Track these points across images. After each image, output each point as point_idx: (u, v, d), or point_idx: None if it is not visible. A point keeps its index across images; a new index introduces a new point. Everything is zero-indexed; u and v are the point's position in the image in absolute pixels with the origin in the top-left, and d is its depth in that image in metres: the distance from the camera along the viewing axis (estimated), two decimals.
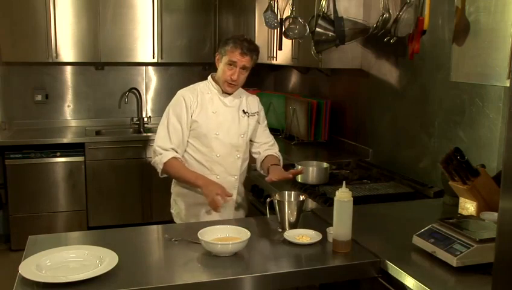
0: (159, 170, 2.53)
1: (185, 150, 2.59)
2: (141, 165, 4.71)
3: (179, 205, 2.67)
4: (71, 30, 4.65)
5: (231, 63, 2.50)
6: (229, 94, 2.61)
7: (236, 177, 2.64)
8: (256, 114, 2.72)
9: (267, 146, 2.77)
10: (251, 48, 2.51)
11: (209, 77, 2.65)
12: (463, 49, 2.03)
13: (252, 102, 2.73)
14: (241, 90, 2.69)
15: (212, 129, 2.56)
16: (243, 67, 2.52)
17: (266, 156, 2.72)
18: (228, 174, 2.62)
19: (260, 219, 2.43)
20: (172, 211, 2.74)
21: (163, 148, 2.52)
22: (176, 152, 2.53)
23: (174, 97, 2.60)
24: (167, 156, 2.49)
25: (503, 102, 2.41)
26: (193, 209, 2.61)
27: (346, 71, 3.85)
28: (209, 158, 2.58)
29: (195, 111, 2.55)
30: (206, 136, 2.55)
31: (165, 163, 2.49)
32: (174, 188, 2.72)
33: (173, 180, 2.70)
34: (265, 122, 2.84)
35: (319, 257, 1.94)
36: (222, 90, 2.60)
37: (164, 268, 1.89)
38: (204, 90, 2.61)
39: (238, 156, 2.64)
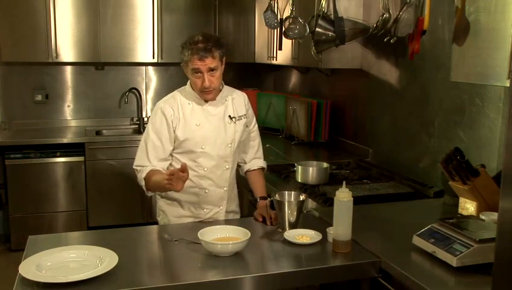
0: (144, 189, 2.36)
1: (170, 165, 2.41)
2: None
3: (166, 216, 2.49)
4: (71, 30, 4.64)
5: (196, 71, 2.30)
6: (209, 101, 2.41)
7: (225, 188, 2.45)
8: (243, 117, 2.48)
9: (253, 154, 2.60)
10: (208, 47, 2.26)
11: (188, 85, 2.45)
12: (463, 49, 2.03)
13: (238, 102, 2.50)
14: (226, 89, 2.49)
15: (198, 143, 2.36)
16: (210, 70, 2.29)
17: (253, 170, 2.58)
18: (217, 186, 2.43)
19: None
20: (158, 218, 2.55)
21: (141, 164, 2.37)
22: (153, 167, 2.35)
23: (153, 111, 2.40)
24: (145, 171, 2.33)
25: (503, 102, 2.41)
26: (179, 220, 2.44)
27: (346, 71, 3.85)
28: (196, 173, 2.38)
29: (178, 126, 2.35)
30: (192, 151, 2.36)
31: (144, 179, 2.33)
32: (159, 201, 2.54)
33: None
34: (254, 120, 2.61)
35: (319, 257, 1.94)
36: (199, 95, 2.40)
37: (164, 268, 1.89)
38: (184, 101, 2.40)
39: (227, 167, 2.44)
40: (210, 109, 2.41)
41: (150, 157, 2.36)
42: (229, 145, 2.42)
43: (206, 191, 2.42)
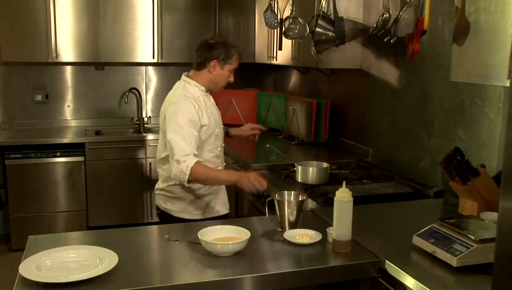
0: (185, 178, 2.47)
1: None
2: (141, 165, 4.71)
3: (185, 201, 2.70)
4: (71, 30, 4.65)
5: (233, 70, 2.72)
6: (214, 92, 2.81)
7: (224, 163, 2.87)
8: None
9: None
10: None
11: (189, 80, 2.71)
12: (463, 49, 2.03)
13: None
14: None
15: (213, 127, 2.70)
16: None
17: None
18: (223, 161, 2.85)
19: (260, 219, 2.43)
20: (169, 208, 2.73)
21: (185, 154, 2.48)
22: (196, 157, 2.52)
23: (179, 107, 2.58)
24: (192, 161, 2.46)
25: (503, 102, 2.41)
26: (197, 202, 2.72)
27: (346, 71, 3.85)
28: (213, 154, 2.73)
29: (202, 116, 2.62)
30: (211, 135, 2.69)
31: (192, 168, 2.45)
32: (175, 188, 2.69)
33: (166, 182, 2.71)
34: None
35: (319, 257, 1.94)
36: (206, 90, 2.73)
37: (164, 268, 1.89)
38: (195, 95, 2.66)
39: (223, 144, 2.87)
40: (210, 98, 2.80)
41: (191, 145, 2.53)
42: (223, 126, 2.87)
43: (219, 167, 2.78)
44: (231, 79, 2.75)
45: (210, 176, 2.55)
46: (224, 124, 2.90)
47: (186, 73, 2.79)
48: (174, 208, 2.73)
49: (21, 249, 1.97)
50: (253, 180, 2.46)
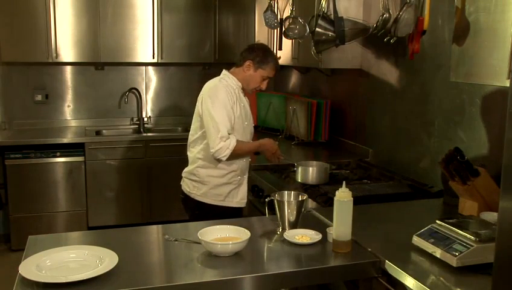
0: (227, 154, 2.74)
1: None
2: (141, 165, 4.71)
3: (207, 185, 2.88)
4: (71, 30, 4.65)
5: (266, 78, 2.90)
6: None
7: (250, 159, 3.07)
8: None
9: None
10: None
11: (228, 73, 2.91)
12: (463, 49, 2.03)
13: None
14: None
15: (244, 120, 2.89)
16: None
17: None
18: (248, 156, 3.02)
19: (260, 219, 2.43)
20: (193, 191, 2.91)
21: (228, 132, 2.74)
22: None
23: (219, 91, 2.80)
24: (233, 139, 2.74)
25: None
26: (219, 189, 2.88)
27: (346, 71, 3.85)
28: None
29: (235, 105, 2.82)
30: (240, 126, 2.86)
31: (233, 148, 2.73)
32: (201, 171, 2.88)
33: (195, 165, 2.91)
34: None
35: (319, 257, 1.94)
36: (244, 86, 2.91)
37: (164, 268, 1.89)
38: (234, 87, 2.86)
39: (251, 138, 3.03)
40: (249, 92, 3.00)
41: (231, 123, 2.78)
42: (252, 124, 3.06)
43: (244, 159, 2.97)
44: (263, 86, 2.92)
45: (244, 151, 2.86)
46: None
47: (224, 70, 2.97)
48: (197, 191, 2.90)
49: (21, 249, 1.97)
50: (275, 155, 2.97)
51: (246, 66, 2.86)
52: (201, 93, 2.90)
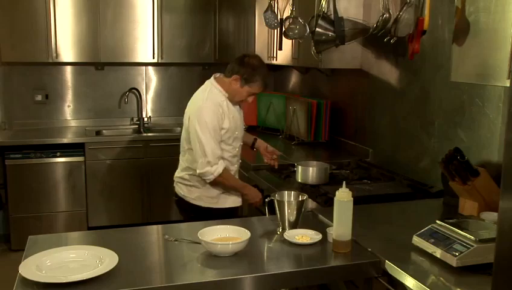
0: (211, 179, 2.76)
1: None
2: (141, 165, 4.71)
3: (200, 189, 2.88)
4: (71, 30, 4.65)
5: (254, 94, 2.84)
6: None
7: (240, 161, 3.04)
8: None
9: None
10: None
11: (215, 84, 2.83)
12: (463, 49, 2.03)
13: None
14: None
15: (234, 130, 2.86)
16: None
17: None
18: (238, 160, 3.00)
19: (260, 219, 2.43)
20: (187, 195, 2.92)
21: (217, 157, 2.75)
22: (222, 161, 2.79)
23: (205, 111, 2.74)
24: (221, 166, 2.76)
25: (503, 102, 2.41)
26: (212, 191, 2.88)
27: (346, 71, 3.85)
28: (231, 154, 2.90)
29: (223, 119, 2.78)
30: (230, 137, 2.85)
31: (220, 173, 2.75)
32: (190, 177, 2.89)
33: (188, 171, 2.90)
34: None
35: (319, 257, 1.94)
36: (229, 98, 2.85)
37: (164, 268, 1.89)
38: (221, 100, 2.80)
39: (241, 144, 3.02)
40: (234, 105, 2.92)
41: (220, 150, 2.78)
42: (243, 128, 3.04)
43: (236, 165, 2.98)
44: (249, 100, 2.87)
45: (230, 184, 2.86)
46: None
47: (216, 74, 2.91)
48: (191, 195, 2.91)
49: (21, 249, 1.97)
50: (255, 204, 2.92)
51: (233, 80, 2.79)
52: (188, 109, 2.87)
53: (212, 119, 2.73)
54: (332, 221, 1.96)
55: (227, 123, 2.80)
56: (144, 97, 5.27)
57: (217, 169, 2.74)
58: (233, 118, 2.85)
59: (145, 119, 5.26)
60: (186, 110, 2.90)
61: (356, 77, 3.74)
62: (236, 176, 3.00)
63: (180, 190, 2.97)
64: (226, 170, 2.79)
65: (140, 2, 4.79)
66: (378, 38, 3.02)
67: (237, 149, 2.96)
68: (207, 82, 2.90)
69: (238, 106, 2.95)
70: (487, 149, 2.51)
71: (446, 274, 1.73)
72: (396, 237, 2.08)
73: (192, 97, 2.91)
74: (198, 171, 2.76)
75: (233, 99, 2.84)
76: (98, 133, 4.98)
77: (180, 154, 3.00)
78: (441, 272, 1.75)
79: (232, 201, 2.94)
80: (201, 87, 2.92)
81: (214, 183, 2.80)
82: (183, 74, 5.35)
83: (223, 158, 2.81)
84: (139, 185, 4.73)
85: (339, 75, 4.07)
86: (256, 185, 3.16)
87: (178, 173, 3.00)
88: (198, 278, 1.75)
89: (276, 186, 2.91)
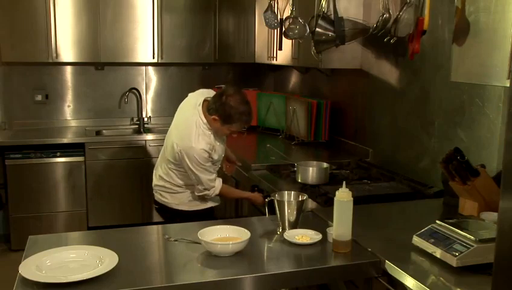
0: (213, 195, 2.92)
1: None
2: (141, 165, 4.71)
3: (185, 194, 2.94)
4: (71, 30, 4.64)
5: (237, 132, 2.86)
6: None
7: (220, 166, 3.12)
8: None
9: None
10: (251, 117, 2.85)
11: (202, 118, 2.79)
12: (463, 49, 2.03)
13: None
14: None
15: (220, 156, 2.95)
16: None
17: None
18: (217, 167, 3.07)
19: (260, 219, 2.43)
20: (170, 201, 2.97)
21: (212, 183, 2.87)
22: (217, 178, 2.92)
23: (197, 154, 2.76)
24: (218, 187, 2.89)
25: (503, 102, 2.41)
26: (192, 194, 2.94)
27: (346, 71, 3.85)
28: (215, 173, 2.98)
29: (214, 151, 2.84)
30: (218, 161, 2.93)
31: (217, 193, 2.91)
32: (170, 185, 2.95)
33: (172, 179, 2.94)
34: None
35: (319, 257, 1.94)
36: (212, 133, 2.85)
37: (164, 268, 1.89)
38: (210, 138, 2.81)
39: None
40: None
41: (214, 175, 2.90)
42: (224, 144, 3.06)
43: (217, 162, 3.00)
44: (233, 135, 2.91)
45: (230, 196, 3.16)
46: None
47: (202, 102, 2.84)
48: (175, 201, 2.95)
49: (21, 249, 1.97)
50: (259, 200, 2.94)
51: (212, 119, 2.76)
52: (176, 137, 2.83)
53: (204, 160, 2.78)
54: (332, 221, 1.96)
55: (215, 156, 2.86)
56: (143, 97, 5.27)
57: (215, 191, 2.89)
58: (219, 146, 2.90)
59: (145, 119, 5.26)
60: (172, 132, 2.91)
61: (356, 77, 3.74)
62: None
63: (163, 197, 2.99)
64: (223, 187, 2.93)
65: (140, 2, 4.79)
66: (378, 38, 3.02)
67: (220, 166, 3.07)
68: (195, 110, 2.83)
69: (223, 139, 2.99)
70: (487, 149, 2.51)
71: (446, 274, 1.73)
72: (396, 237, 2.08)
73: (180, 124, 2.87)
74: (196, 194, 2.90)
75: (216, 135, 2.85)
76: (98, 133, 4.98)
77: (160, 162, 3.03)
78: (441, 272, 1.75)
79: (212, 200, 3.01)
80: (189, 111, 2.85)
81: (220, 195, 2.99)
82: (183, 74, 5.35)
83: None
84: (139, 185, 4.73)
85: (339, 75, 4.07)
86: (257, 186, 3.17)
87: (158, 182, 3.00)
88: (198, 278, 1.75)
89: (276, 187, 2.91)
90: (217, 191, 2.89)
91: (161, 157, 3.04)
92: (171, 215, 2.97)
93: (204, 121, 2.80)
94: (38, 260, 1.77)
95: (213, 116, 2.76)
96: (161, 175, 2.98)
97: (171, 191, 2.95)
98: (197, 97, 2.90)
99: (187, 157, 2.76)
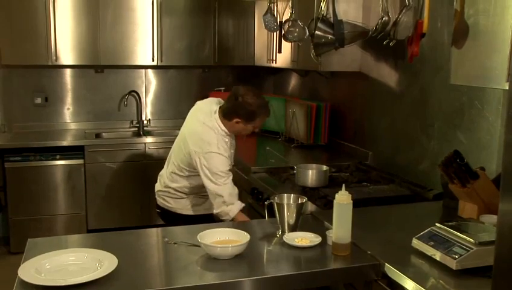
0: (226, 219, 2.69)
1: None
2: (140, 168, 4.70)
3: (189, 199, 2.91)
4: (71, 33, 4.65)
5: (257, 128, 2.85)
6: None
7: None
8: None
9: None
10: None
11: (220, 123, 2.75)
12: (462, 52, 2.03)
13: None
14: None
15: (231, 161, 2.84)
16: None
17: None
18: None
19: (259, 222, 2.43)
20: (174, 206, 2.92)
21: (234, 198, 2.69)
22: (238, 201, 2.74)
23: (218, 162, 2.69)
24: (237, 208, 2.68)
25: (502, 104, 2.41)
26: (196, 199, 2.91)
27: (346, 74, 3.86)
28: None
29: (230, 157, 2.79)
30: (230, 169, 2.79)
31: (233, 216, 2.68)
32: (174, 191, 2.90)
33: (176, 184, 2.90)
34: None
35: (319, 259, 1.94)
36: (235, 134, 2.86)
37: (163, 271, 1.89)
38: (225, 139, 2.76)
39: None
40: (233, 137, 2.90)
41: (235, 191, 2.73)
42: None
43: None
44: (256, 130, 2.88)
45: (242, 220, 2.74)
46: None
47: (217, 109, 2.80)
48: (178, 205, 2.92)
49: (20, 252, 1.97)
50: None
51: (235, 122, 2.75)
52: (192, 140, 2.75)
53: (225, 166, 2.69)
54: (331, 224, 1.96)
55: (231, 159, 2.82)
56: (143, 100, 5.27)
57: (232, 210, 2.67)
58: (232, 152, 2.86)
59: (145, 122, 5.26)
60: (187, 140, 2.78)
61: (355, 80, 3.75)
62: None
63: (166, 202, 2.95)
64: (239, 214, 2.70)
65: (140, 4, 4.79)
66: (377, 41, 3.03)
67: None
68: (211, 117, 2.78)
69: (234, 141, 2.93)
70: (486, 151, 2.52)
71: (445, 277, 1.73)
72: (395, 240, 2.08)
73: (198, 132, 2.77)
74: (214, 212, 2.71)
75: (240, 134, 2.87)
76: (97, 136, 4.97)
77: (167, 169, 2.96)
78: (441, 275, 1.74)
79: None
80: (205, 119, 2.79)
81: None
82: (183, 77, 5.35)
83: None
84: (138, 187, 4.72)
85: (339, 77, 4.07)
86: (256, 188, 3.16)
87: (162, 188, 2.96)
88: (198, 281, 1.75)
89: (276, 189, 2.91)
90: (235, 212, 2.67)
91: (169, 163, 2.96)
92: (173, 219, 2.92)
93: (223, 128, 2.75)
94: (37, 262, 1.76)
95: (235, 120, 2.73)
96: (166, 182, 2.92)
97: (176, 197, 2.92)
98: (211, 105, 2.85)
99: (207, 168, 2.68)
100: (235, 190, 2.72)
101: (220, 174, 2.67)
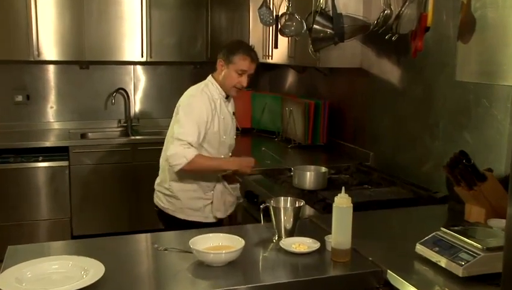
0: (182, 163, 2.65)
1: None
2: (129, 170, 4.69)
3: (181, 200, 2.89)
4: (54, 27, 4.63)
5: (242, 72, 2.82)
6: (232, 97, 2.99)
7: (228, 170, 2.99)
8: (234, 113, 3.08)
9: None
10: (256, 56, 2.89)
11: (213, 80, 2.89)
12: (469, 46, 2.03)
13: (233, 101, 3.08)
14: None
15: (221, 133, 2.88)
16: (250, 74, 2.88)
17: None
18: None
19: (255, 227, 2.42)
20: (168, 207, 2.92)
21: (190, 143, 2.68)
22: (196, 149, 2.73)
23: (197, 99, 2.79)
24: (193, 152, 2.67)
25: (511, 102, 2.42)
26: (194, 202, 2.89)
27: (345, 70, 3.86)
28: None
29: (212, 118, 2.80)
30: (216, 139, 2.86)
31: (194, 156, 2.67)
32: (173, 185, 2.89)
33: (167, 178, 2.90)
34: None
35: (317, 266, 1.94)
36: (225, 94, 2.90)
37: (153, 279, 1.88)
38: (215, 98, 2.85)
39: (230, 154, 3.06)
40: (229, 105, 2.97)
41: (198, 137, 2.73)
42: (234, 136, 3.06)
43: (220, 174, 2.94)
44: (243, 83, 2.86)
45: (207, 165, 2.80)
46: None
47: (213, 73, 2.95)
48: (171, 206, 2.92)
49: None
50: (250, 166, 2.91)
51: (219, 67, 2.87)
52: (180, 100, 2.90)
53: (200, 106, 2.75)
54: (330, 228, 1.96)
55: (216, 124, 2.82)
56: (131, 98, 5.26)
57: (191, 152, 2.66)
58: (223, 119, 2.88)
59: (133, 121, 5.25)
60: (177, 104, 2.91)
61: (356, 76, 3.76)
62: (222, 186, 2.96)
63: (160, 201, 2.98)
64: (198, 156, 2.69)
65: None
66: (379, 35, 3.03)
67: (222, 156, 2.96)
68: (204, 81, 2.94)
69: (232, 111, 2.98)
70: (494, 152, 2.52)
71: (451, 284, 1.73)
72: (398, 245, 2.08)
73: (186, 91, 2.93)
74: (168, 154, 2.69)
75: (226, 88, 2.86)
76: (82, 136, 4.96)
77: (162, 157, 3.01)
78: (446, 282, 1.75)
79: (214, 215, 2.94)
80: (197, 85, 2.94)
81: (191, 171, 2.73)
82: (173, 74, 5.34)
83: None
84: (126, 190, 4.72)
85: (338, 74, 4.08)
86: (251, 191, 3.16)
87: (159, 180, 3.02)
88: (190, 289, 1.75)
89: (272, 192, 2.91)
90: (193, 152, 2.66)
91: (164, 148, 3.00)
92: (169, 223, 2.93)
93: (215, 83, 2.86)
94: (18, 271, 1.75)
95: (218, 63, 2.85)
96: (159, 173, 2.99)
97: (166, 194, 2.92)
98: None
99: (182, 106, 2.79)
100: (198, 140, 2.72)
101: (192, 112, 2.74)
